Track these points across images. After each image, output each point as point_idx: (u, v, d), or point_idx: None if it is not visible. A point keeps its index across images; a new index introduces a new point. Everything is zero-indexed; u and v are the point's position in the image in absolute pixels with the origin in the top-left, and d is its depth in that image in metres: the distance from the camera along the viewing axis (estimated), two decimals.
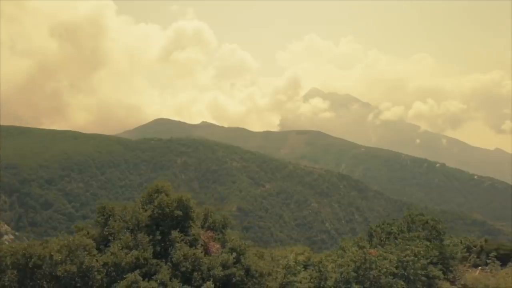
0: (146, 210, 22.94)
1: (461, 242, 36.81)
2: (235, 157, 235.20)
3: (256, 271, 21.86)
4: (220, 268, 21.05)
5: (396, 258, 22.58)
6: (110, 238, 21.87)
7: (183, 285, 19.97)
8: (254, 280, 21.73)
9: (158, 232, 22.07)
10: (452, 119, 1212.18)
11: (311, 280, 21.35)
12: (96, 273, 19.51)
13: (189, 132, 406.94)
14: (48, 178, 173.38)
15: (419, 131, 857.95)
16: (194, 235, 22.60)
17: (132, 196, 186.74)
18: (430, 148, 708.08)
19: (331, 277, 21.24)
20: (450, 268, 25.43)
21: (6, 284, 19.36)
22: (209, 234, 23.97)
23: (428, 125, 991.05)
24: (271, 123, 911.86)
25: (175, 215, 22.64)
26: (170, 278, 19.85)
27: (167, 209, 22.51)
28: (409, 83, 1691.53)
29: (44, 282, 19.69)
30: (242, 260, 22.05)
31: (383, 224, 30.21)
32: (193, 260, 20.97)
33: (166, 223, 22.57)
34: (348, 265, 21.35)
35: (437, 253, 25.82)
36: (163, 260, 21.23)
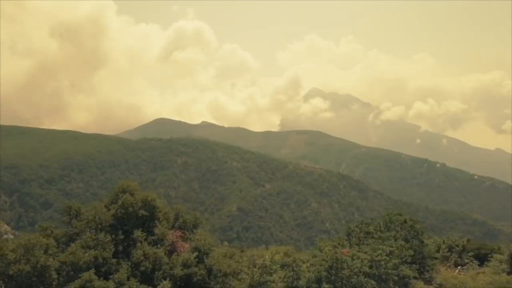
0: (109, 210, 23.00)
1: (444, 242, 36.86)
2: (235, 157, 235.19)
3: (220, 271, 21.84)
4: (181, 268, 21.03)
5: (368, 258, 22.59)
6: (76, 238, 21.91)
7: (141, 284, 19.88)
8: (217, 279, 21.72)
9: (120, 232, 22.13)
10: (453, 119, 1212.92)
11: (285, 280, 21.40)
12: (52, 272, 19.46)
13: (190, 132, 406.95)
14: (48, 178, 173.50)
15: (419, 131, 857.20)
16: (158, 234, 22.57)
17: None
18: (431, 148, 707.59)
19: (304, 277, 21.31)
20: (427, 268, 25.43)
21: None
22: (178, 233, 23.98)
23: (428, 125, 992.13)
24: (271, 123, 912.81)
25: (140, 215, 22.67)
26: (128, 278, 19.81)
27: (131, 209, 22.53)
28: (409, 83, 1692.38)
29: (1, 282, 19.71)
30: (205, 260, 22.09)
31: (361, 223, 30.28)
32: (153, 259, 20.94)
33: (131, 223, 22.60)
34: (321, 265, 21.38)
35: (412, 253, 25.85)
36: (125, 259, 21.25)
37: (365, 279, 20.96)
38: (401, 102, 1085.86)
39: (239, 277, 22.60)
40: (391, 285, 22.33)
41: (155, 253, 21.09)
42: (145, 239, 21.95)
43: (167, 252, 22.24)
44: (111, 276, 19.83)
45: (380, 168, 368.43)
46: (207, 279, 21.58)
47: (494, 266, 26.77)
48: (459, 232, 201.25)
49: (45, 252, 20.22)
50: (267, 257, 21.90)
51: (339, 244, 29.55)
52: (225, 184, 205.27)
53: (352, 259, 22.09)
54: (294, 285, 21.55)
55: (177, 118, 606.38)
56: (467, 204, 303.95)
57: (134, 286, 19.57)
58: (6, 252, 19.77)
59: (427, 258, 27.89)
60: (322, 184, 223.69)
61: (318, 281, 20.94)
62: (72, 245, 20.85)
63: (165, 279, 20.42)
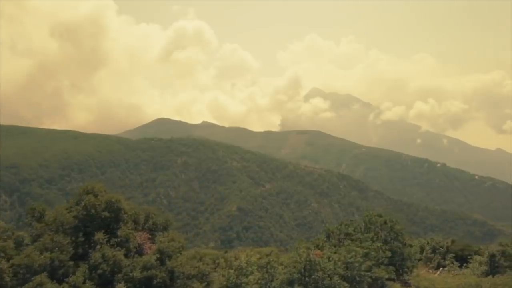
0: (71, 212, 22.75)
1: (428, 243, 36.81)
2: (235, 157, 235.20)
3: (183, 273, 21.66)
4: (140, 270, 20.80)
5: (342, 259, 22.47)
6: (39, 240, 21.68)
7: (97, 287, 19.68)
8: (180, 282, 21.53)
9: (81, 234, 21.90)
10: (453, 119, 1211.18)
11: (259, 281, 21.27)
12: (5, 275, 19.21)
13: (190, 132, 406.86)
14: (48, 177, 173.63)
15: (420, 131, 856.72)
16: (121, 236, 22.34)
17: (133, 196, 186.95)
18: (431, 148, 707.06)
19: (277, 279, 21.18)
20: (405, 269, 25.30)
21: None
22: (145, 235, 23.82)
23: (429, 125, 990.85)
24: (271, 123, 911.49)
25: (103, 216, 22.45)
26: (85, 281, 19.56)
27: (93, 211, 22.29)
28: (410, 83, 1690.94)
29: None
30: (167, 262, 21.84)
31: (341, 225, 30.21)
32: (112, 262, 20.68)
33: (93, 225, 22.33)
34: (294, 267, 21.27)
35: (389, 254, 25.71)
36: (85, 262, 20.98)
37: (338, 281, 20.82)
38: (401, 102, 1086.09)
39: (208, 279, 22.46)
40: (365, 287, 22.24)
41: (114, 255, 20.77)
42: (108, 241, 21.63)
43: (133, 254, 22.01)
44: (66, 279, 19.54)
45: (380, 168, 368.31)
46: (168, 281, 21.31)
47: (474, 267, 26.68)
48: (459, 232, 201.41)
49: (4, 254, 19.96)
50: (242, 258, 21.75)
51: (318, 245, 29.56)
52: (225, 184, 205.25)
53: (327, 261, 21.93)
54: (267, 287, 21.42)
55: (177, 118, 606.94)
56: (467, 204, 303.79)
57: None
58: None
59: (407, 259, 27.80)
60: (322, 184, 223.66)
61: (291, 283, 20.80)
62: (28, 247, 20.62)
63: (125, 281, 20.21)
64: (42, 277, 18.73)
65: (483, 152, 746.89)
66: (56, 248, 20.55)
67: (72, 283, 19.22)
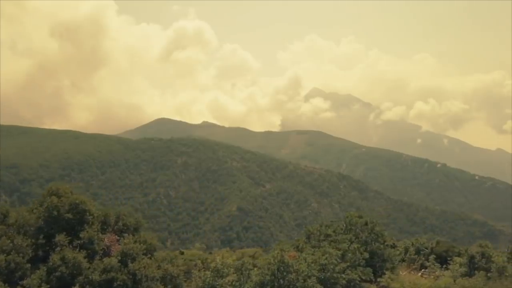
0: (33, 213, 22.51)
1: (412, 244, 36.77)
2: (235, 157, 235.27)
3: (147, 276, 21.50)
4: (99, 273, 20.63)
5: (317, 261, 22.35)
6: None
7: None
8: (142, 285, 21.39)
9: (41, 236, 21.64)
10: (454, 119, 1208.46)
11: (233, 283, 21.17)
12: None
13: (190, 132, 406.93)
14: (49, 177, 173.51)
15: (420, 131, 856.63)
16: (84, 238, 22.14)
17: (132, 196, 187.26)
18: (432, 148, 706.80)
19: (251, 281, 21.08)
20: (384, 271, 25.19)
21: None
22: (114, 237, 23.71)
23: (429, 125, 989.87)
24: (272, 123, 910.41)
25: (66, 218, 22.23)
26: (41, 284, 19.26)
27: (55, 212, 22.05)
28: (410, 83, 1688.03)
29: None
30: (130, 265, 21.64)
31: (321, 226, 30.13)
32: (72, 264, 20.42)
33: (56, 227, 22.09)
34: (268, 269, 21.18)
35: (367, 256, 25.61)
36: (45, 264, 20.71)
37: (312, 283, 20.72)
38: (402, 102, 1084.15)
39: (177, 282, 22.34)
40: None
41: (74, 258, 20.51)
42: (70, 243, 21.41)
43: (101, 257, 21.84)
44: (21, 282, 19.23)
45: (380, 168, 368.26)
46: (130, 284, 21.11)
47: (454, 269, 26.63)
48: (459, 232, 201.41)
49: None
50: (218, 260, 21.66)
51: (298, 246, 29.51)
52: (225, 184, 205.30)
53: (302, 262, 21.80)
54: None
55: (177, 118, 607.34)
56: (467, 204, 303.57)
57: None
58: None
59: (387, 261, 27.71)
60: (322, 184, 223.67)
61: (263, 285, 20.68)
62: None
63: (84, 284, 20.02)
64: None
65: (484, 152, 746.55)
66: (13, 251, 20.13)
67: (26, 286, 18.86)
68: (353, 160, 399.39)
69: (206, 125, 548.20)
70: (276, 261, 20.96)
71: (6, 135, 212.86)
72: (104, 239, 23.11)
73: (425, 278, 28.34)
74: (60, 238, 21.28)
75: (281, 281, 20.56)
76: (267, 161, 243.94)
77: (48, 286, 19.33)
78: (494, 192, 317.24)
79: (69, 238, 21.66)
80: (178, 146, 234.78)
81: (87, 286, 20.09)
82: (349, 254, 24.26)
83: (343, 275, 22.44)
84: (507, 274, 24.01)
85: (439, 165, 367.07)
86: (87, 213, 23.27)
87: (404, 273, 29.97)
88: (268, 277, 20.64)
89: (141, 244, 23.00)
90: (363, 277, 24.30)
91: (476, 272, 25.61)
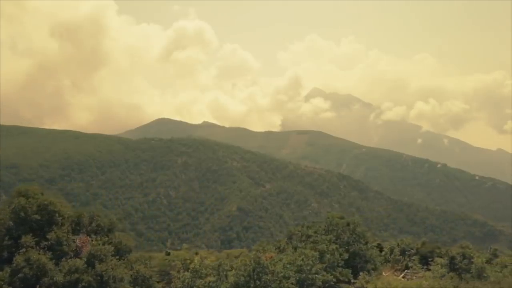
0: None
1: (398, 245, 36.68)
2: (235, 157, 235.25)
3: (114, 277, 21.44)
4: (63, 274, 20.48)
5: (293, 262, 22.24)
6: None
7: None
8: (110, 286, 21.35)
9: (7, 237, 21.56)
10: (454, 119, 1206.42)
11: (210, 284, 21.08)
12: None
13: (190, 132, 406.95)
14: (49, 177, 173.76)
15: (420, 131, 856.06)
16: (51, 239, 22.02)
17: (132, 196, 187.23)
18: (432, 148, 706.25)
19: (228, 282, 21.00)
20: (365, 272, 25.05)
21: None
22: (85, 238, 23.66)
23: (430, 125, 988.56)
24: (272, 123, 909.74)
25: (34, 219, 22.12)
26: (2, 285, 19.13)
27: (22, 214, 21.88)
28: (410, 83, 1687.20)
29: None
30: (97, 266, 21.54)
31: (302, 226, 30.04)
32: (36, 266, 20.25)
33: (24, 228, 21.94)
34: (245, 270, 21.05)
35: (346, 257, 25.46)
36: (9, 265, 20.58)
37: (287, 284, 20.61)
38: (402, 102, 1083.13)
39: (150, 283, 22.26)
40: None
41: (38, 259, 20.35)
42: (37, 245, 21.25)
43: (72, 257, 21.75)
44: None
45: (381, 168, 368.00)
46: (95, 285, 21.05)
47: (435, 270, 26.54)
48: (459, 232, 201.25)
49: None
50: (196, 261, 21.59)
51: (279, 247, 29.47)
52: (225, 184, 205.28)
53: (281, 263, 21.71)
54: None
55: (177, 118, 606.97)
56: (468, 204, 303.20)
57: None
58: None
59: (369, 261, 27.59)
60: (322, 184, 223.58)
61: (237, 286, 20.56)
62: None
63: (49, 286, 19.92)
64: None
65: (484, 152, 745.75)
66: None
67: None
68: (354, 160, 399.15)
69: (206, 125, 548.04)
70: (252, 262, 20.86)
71: (6, 135, 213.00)
72: (76, 240, 22.96)
73: (408, 278, 28.29)
74: (26, 239, 21.07)
75: (257, 282, 20.46)
76: (267, 161, 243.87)
77: (11, 287, 19.22)
78: (494, 192, 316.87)
79: (36, 239, 21.49)
80: (178, 146, 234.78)
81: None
82: (328, 255, 24.16)
83: (319, 276, 22.31)
84: (485, 275, 23.96)
85: (439, 165, 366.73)
86: (56, 214, 23.09)
87: (387, 274, 29.87)
88: (243, 278, 20.55)
89: (110, 246, 22.85)
90: (341, 278, 24.18)
91: (456, 272, 25.52)
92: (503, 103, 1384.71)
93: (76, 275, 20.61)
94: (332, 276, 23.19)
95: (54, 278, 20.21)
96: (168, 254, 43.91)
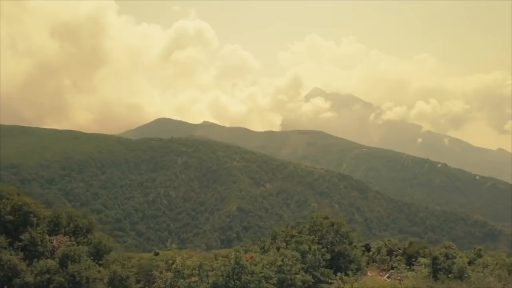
0: None
1: (385, 245, 36.55)
2: (235, 157, 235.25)
3: (88, 278, 21.44)
4: (33, 275, 20.50)
5: (274, 262, 22.17)
6: None
7: None
8: (82, 286, 21.34)
9: None
10: (455, 119, 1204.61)
11: (190, 284, 21.02)
12: None
13: (191, 132, 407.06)
14: (49, 177, 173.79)
15: (421, 131, 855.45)
16: (25, 240, 22.06)
17: (133, 196, 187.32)
18: (432, 148, 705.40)
19: (208, 282, 20.94)
20: (348, 272, 24.97)
21: None
22: (62, 239, 23.65)
23: (430, 125, 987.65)
24: (272, 123, 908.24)
25: (7, 220, 22.20)
26: None
27: None
28: (411, 83, 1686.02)
29: None
30: (69, 266, 21.55)
31: (287, 227, 29.97)
32: (7, 266, 20.32)
33: None
34: (224, 270, 20.98)
35: (328, 257, 25.38)
36: None
37: (266, 285, 20.53)
38: (403, 102, 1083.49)
39: (127, 284, 22.21)
40: None
41: (9, 260, 20.39)
42: (10, 246, 21.28)
43: (47, 258, 21.76)
44: None
45: (381, 168, 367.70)
46: (67, 286, 21.02)
47: (418, 270, 26.49)
48: (460, 232, 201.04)
49: None
50: (177, 261, 21.51)
51: (263, 247, 29.38)
52: (225, 184, 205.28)
53: (260, 263, 21.64)
54: None
55: (178, 118, 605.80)
56: (468, 204, 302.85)
57: None
58: None
59: (353, 261, 27.54)
60: (322, 184, 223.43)
61: (216, 286, 20.52)
62: None
63: (21, 287, 19.94)
64: None
65: (485, 152, 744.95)
66: None
67: None
68: (354, 160, 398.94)
69: (206, 125, 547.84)
70: (231, 262, 20.83)
71: (7, 135, 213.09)
72: (53, 240, 22.97)
73: (392, 279, 28.24)
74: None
75: (237, 282, 20.41)
76: (267, 161, 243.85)
77: None
78: (494, 192, 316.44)
79: (10, 240, 21.53)
80: (179, 146, 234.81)
81: None
82: (309, 256, 24.10)
83: (298, 276, 22.28)
84: (466, 275, 23.91)
85: (439, 165, 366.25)
86: (31, 215, 23.13)
87: (372, 274, 29.81)
88: (221, 279, 20.51)
89: (90, 246, 22.80)
90: (322, 278, 24.12)
91: (438, 273, 25.41)
92: (504, 103, 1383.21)
93: (47, 276, 20.59)
94: (311, 277, 23.15)
95: (25, 279, 20.23)
96: (157, 254, 43.79)
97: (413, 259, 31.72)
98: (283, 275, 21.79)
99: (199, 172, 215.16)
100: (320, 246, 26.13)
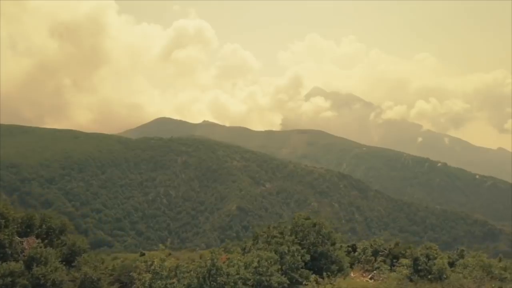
0: None
1: (371, 246, 36.31)
2: (235, 157, 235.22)
3: (54, 280, 21.28)
4: None
5: (250, 264, 22.06)
6: None
7: None
8: None
9: None
10: (455, 118, 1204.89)
11: (167, 286, 20.89)
12: None
13: (191, 131, 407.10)
14: (49, 177, 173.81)
15: (421, 130, 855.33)
16: None
17: (132, 195, 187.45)
18: (432, 147, 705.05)
19: (183, 284, 20.82)
20: (329, 274, 24.95)
21: None
22: (32, 241, 23.55)
23: (430, 125, 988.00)
24: (272, 122, 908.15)
25: None
26: None
27: None
28: (411, 83, 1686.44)
29: None
30: (34, 269, 21.35)
31: (268, 227, 29.82)
32: None
33: None
34: (200, 271, 20.86)
35: (307, 258, 25.25)
36: None
37: (243, 287, 20.40)
38: (403, 102, 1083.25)
39: (99, 286, 22.10)
40: None
41: None
42: None
43: (15, 260, 21.68)
44: None
45: (381, 168, 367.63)
46: None
47: (399, 271, 26.40)
48: (460, 232, 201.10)
49: None
50: (155, 262, 21.37)
51: (244, 248, 29.17)
52: (225, 184, 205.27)
53: (236, 264, 21.53)
54: None
55: (178, 118, 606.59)
56: (468, 204, 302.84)
57: None
58: None
59: (335, 262, 27.45)
60: (322, 183, 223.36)
61: (189, 287, 20.42)
62: None
63: None
64: None
65: (485, 151, 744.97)
66: None
67: None
68: (354, 159, 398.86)
69: (206, 125, 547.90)
70: (207, 264, 20.72)
71: (7, 135, 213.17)
72: (23, 242, 22.85)
73: (375, 279, 28.12)
74: None
75: (213, 283, 20.26)
76: (267, 160, 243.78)
77: None
78: (495, 191, 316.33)
79: None
80: (178, 146, 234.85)
81: None
82: (287, 257, 23.98)
83: (273, 277, 22.19)
84: (445, 276, 23.83)
85: (440, 165, 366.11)
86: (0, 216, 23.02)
87: (355, 275, 29.69)
88: (196, 280, 20.37)
89: (58, 248, 22.59)
90: (301, 280, 24.06)
91: (419, 274, 25.30)
92: (504, 102, 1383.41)
93: (10, 279, 20.31)
94: (288, 278, 23.10)
95: None
96: (143, 254, 43.45)
97: (395, 260, 31.54)
98: (258, 277, 21.64)
99: (199, 171, 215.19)
100: (300, 247, 25.98)
